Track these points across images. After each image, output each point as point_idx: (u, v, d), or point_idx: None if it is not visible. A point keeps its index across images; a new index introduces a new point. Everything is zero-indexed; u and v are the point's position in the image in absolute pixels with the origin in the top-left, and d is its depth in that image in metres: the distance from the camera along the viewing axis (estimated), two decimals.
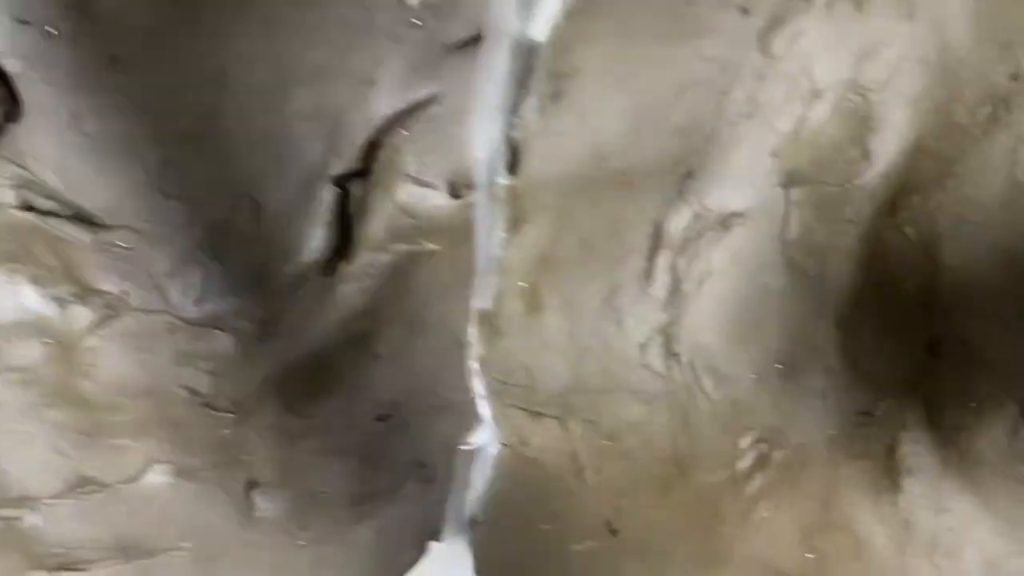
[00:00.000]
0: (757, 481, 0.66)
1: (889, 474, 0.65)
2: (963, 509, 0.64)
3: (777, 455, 0.65)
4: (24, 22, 0.64)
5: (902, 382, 0.63)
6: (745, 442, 0.65)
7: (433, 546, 0.74)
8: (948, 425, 0.63)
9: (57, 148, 0.67)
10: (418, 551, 0.75)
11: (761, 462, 0.66)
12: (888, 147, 0.58)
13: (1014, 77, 0.57)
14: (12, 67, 0.65)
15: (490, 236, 0.63)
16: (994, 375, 0.62)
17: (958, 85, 0.57)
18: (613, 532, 0.68)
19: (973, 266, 0.60)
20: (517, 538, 0.70)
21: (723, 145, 0.61)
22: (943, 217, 0.61)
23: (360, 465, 0.74)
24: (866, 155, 0.58)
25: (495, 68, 0.60)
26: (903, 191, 0.60)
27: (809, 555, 0.67)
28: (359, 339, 0.70)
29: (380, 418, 0.72)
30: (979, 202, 0.60)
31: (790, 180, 0.60)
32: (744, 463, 0.66)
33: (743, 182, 0.61)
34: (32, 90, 0.66)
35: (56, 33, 0.64)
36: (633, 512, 0.67)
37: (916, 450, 0.64)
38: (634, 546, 0.69)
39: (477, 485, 0.68)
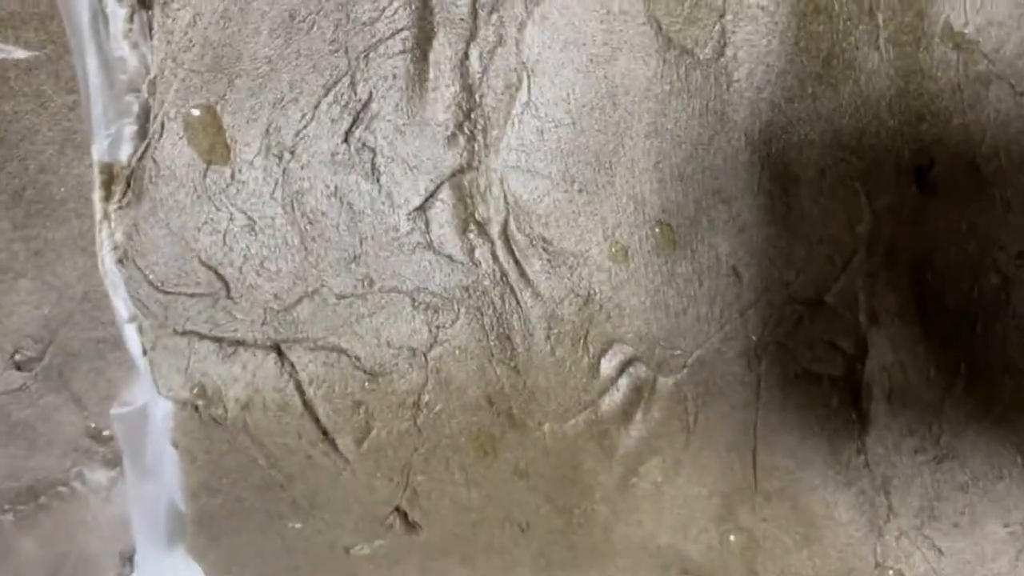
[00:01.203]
0: (637, 428, 0.39)
1: (853, 404, 0.38)
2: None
3: (665, 383, 0.38)
4: None
5: (871, 240, 0.36)
6: (609, 364, 0.38)
7: (139, 562, 0.46)
8: (950, 310, 0.36)
9: None
10: (119, 569, 0.47)
11: (640, 395, 0.38)
12: None
13: None
14: None
15: (101, 18, 0.33)
16: None
17: None
18: (411, 527, 0.41)
19: (992, 18, 0.32)
20: (259, 543, 0.42)
21: None
22: None
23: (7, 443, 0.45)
24: None
25: None
26: None
27: (730, 539, 0.41)
28: None
29: (17, 366, 0.43)
30: None
31: None
32: (612, 399, 0.39)
33: None
34: None
35: None
36: (438, 494, 0.40)
37: (897, 359, 0.37)
38: (445, 545, 0.42)
39: (164, 470, 0.40)
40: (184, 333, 0.36)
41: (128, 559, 0.47)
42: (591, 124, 0.36)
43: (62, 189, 0.38)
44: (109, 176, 0.35)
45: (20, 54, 0.36)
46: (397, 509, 0.41)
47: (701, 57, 0.35)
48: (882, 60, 0.34)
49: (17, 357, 0.43)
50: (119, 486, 0.45)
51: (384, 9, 0.35)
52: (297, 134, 0.36)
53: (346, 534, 0.41)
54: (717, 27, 0.34)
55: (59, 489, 0.46)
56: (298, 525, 0.41)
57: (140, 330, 0.36)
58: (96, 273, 0.40)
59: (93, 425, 0.44)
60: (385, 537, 0.41)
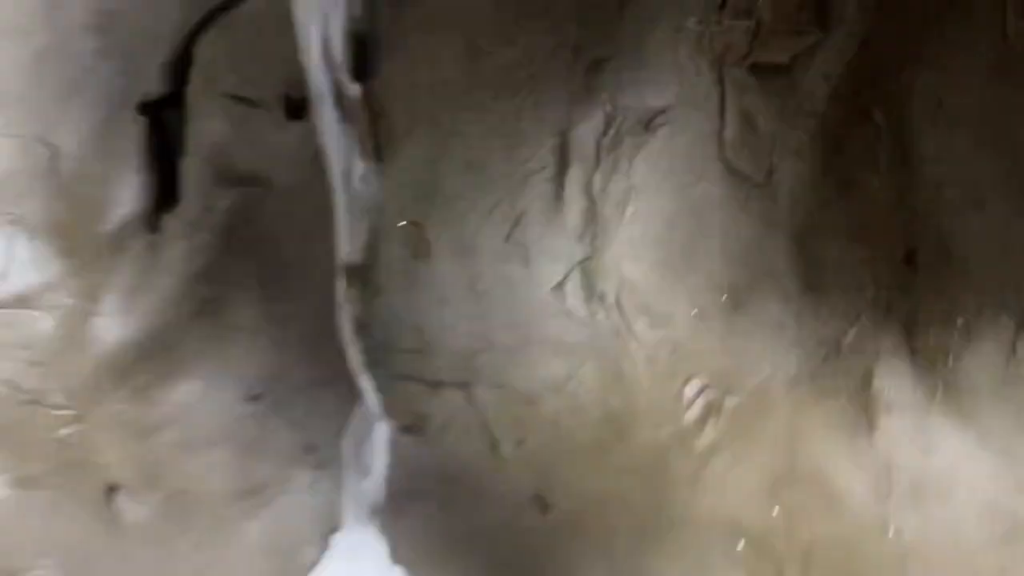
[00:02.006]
0: (708, 434, 0.55)
1: (864, 412, 0.54)
2: (953, 446, 0.53)
3: (730, 402, 0.54)
4: None
5: (874, 303, 0.52)
6: (690, 390, 0.54)
7: (336, 540, 0.62)
8: (932, 348, 0.52)
9: None
10: (319, 547, 0.63)
11: (711, 411, 0.54)
12: (847, 6, 0.45)
13: None
14: None
15: (349, 165, 0.49)
16: (984, 284, 0.50)
17: None
18: (544, 508, 0.57)
19: (955, 156, 0.48)
20: (434, 523, 0.58)
21: (635, 23, 0.47)
22: (917, 98, 0.48)
23: (235, 455, 0.61)
24: (821, 18, 0.45)
25: None
26: (866, 67, 0.47)
27: (777, 510, 0.57)
28: (207, 306, 0.56)
29: (252, 398, 0.59)
30: (961, 75, 0.47)
31: (723, 60, 0.46)
32: (691, 415, 0.55)
33: (664, 68, 0.47)
34: None
35: None
36: (566, 484, 0.56)
37: (895, 382, 0.53)
38: (572, 521, 0.58)
39: (376, 470, 0.56)
40: (402, 377, 0.52)
41: (327, 537, 0.63)
42: (679, 226, 0.51)
43: (304, 272, 0.54)
44: (349, 270, 0.51)
45: None
46: (539, 496, 0.57)
47: (756, 181, 0.50)
48: (882, 181, 0.50)
49: (251, 393, 0.59)
50: (323, 483, 0.62)
51: (537, 150, 0.50)
52: (474, 237, 0.51)
53: (503, 514, 0.57)
54: (767, 161, 0.50)
55: (275, 487, 0.62)
56: (468, 508, 0.57)
57: (372, 377, 0.52)
58: (317, 331, 0.56)
59: (305, 441, 0.60)
60: (532, 518, 0.57)
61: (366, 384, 0.52)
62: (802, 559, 0.59)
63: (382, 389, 0.52)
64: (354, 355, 0.52)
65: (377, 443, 0.55)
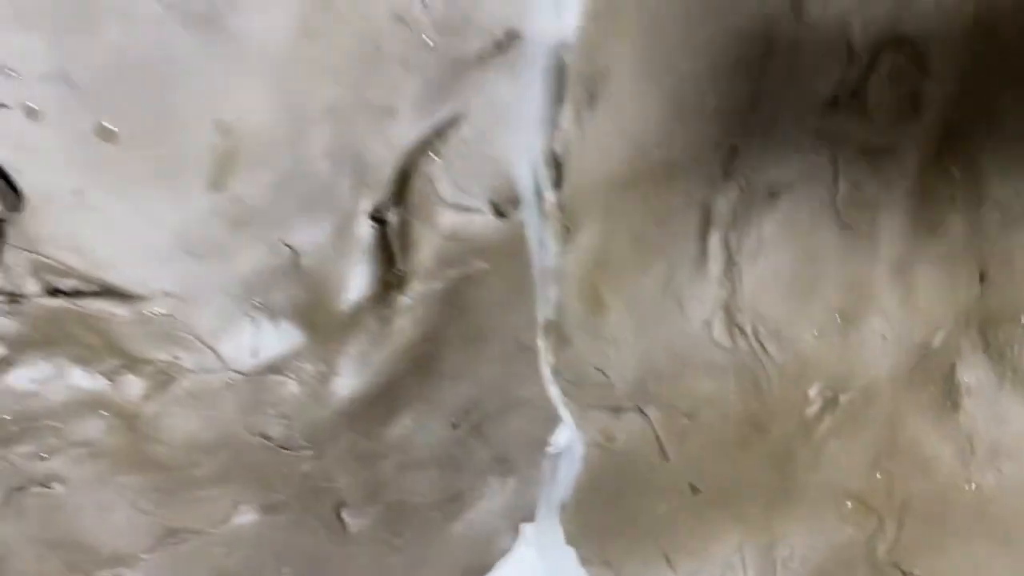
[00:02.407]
0: (826, 423, 0.69)
1: (950, 396, 0.68)
2: (1020, 417, 0.68)
3: (843, 398, 0.68)
4: (2, 106, 0.60)
5: (956, 312, 0.66)
6: (813, 392, 0.68)
7: (526, 530, 0.77)
8: (1000, 343, 0.66)
9: (68, 228, 0.65)
10: (511, 537, 0.78)
11: (829, 406, 0.69)
12: (933, 98, 0.58)
13: None
14: (3, 156, 0.61)
15: (542, 248, 0.62)
16: None
17: (995, 30, 0.56)
18: (695, 491, 0.72)
19: (1017, 200, 0.61)
20: (605, 511, 0.73)
21: (764, 119, 0.59)
22: (987, 151, 0.61)
23: (441, 471, 0.76)
24: (914, 106, 0.58)
25: (523, 79, 0.58)
26: (948, 137, 0.60)
27: (879, 476, 0.72)
28: (423, 362, 0.70)
29: (454, 425, 0.73)
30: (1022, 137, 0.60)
31: (836, 143, 0.59)
32: (812, 409, 0.69)
33: (788, 152, 0.60)
34: (28, 176, 0.62)
35: (38, 110, 0.60)
36: (714, 472, 0.71)
37: (973, 371, 0.67)
38: (715, 498, 0.73)
39: (566, 478, 0.71)
40: (591, 407, 0.66)
41: (517, 527, 0.78)
42: (800, 269, 0.65)
43: (503, 328, 0.67)
44: (545, 326, 0.64)
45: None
46: (691, 484, 0.72)
47: (862, 231, 0.64)
48: (960, 219, 0.63)
49: (452, 422, 0.73)
50: (513, 486, 0.76)
51: (686, 220, 0.63)
52: (638, 291, 0.65)
53: (664, 500, 0.72)
54: (871, 214, 0.63)
55: (473, 492, 0.76)
56: (636, 496, 0.71)
57: (567, 407, 0.66)
58: (509, 372, 0.70)
59: (497, 455, 0.75)
60: (683, 499, 0.72)
61: (564, 413, 0.66)
62: (899, 511, 0.74)
63: (576, 416, 0.66)
64: (554, 392, 0.66)
65: (572, 456, 0.69)
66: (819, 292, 0.65)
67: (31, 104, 0.60)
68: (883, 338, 0.66)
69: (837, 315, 0.65)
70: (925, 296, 0.65)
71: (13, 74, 0.59)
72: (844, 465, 0.72)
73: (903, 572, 0.76)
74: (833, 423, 0.69)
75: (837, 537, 0.75)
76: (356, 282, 0.66)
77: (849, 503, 0.74)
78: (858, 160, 0.60)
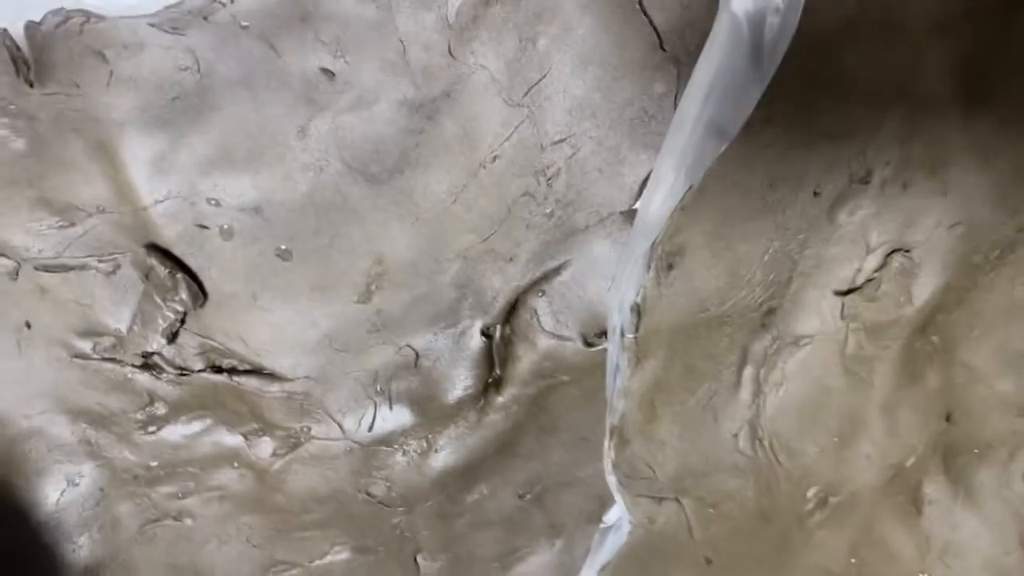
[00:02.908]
0: (817, 517, 0.87)
1: (915, 504, 0.87)
2: (969, 526, 0.86)
3: (833, 500, 0.86)
4: (202, 227, 0.76)
5: (926, 442, 0.84)
6: (810, 493, 0.86)
7: None
8: (959, 468, 0.85)
9: (239, 323, 0.80)
10: None
11: (821, 505, 0.87)
12: (924, 290, 0.76)
13: (1019, 229, 0.74)
14: (196, 263, 0.77)
15: (617, 372, 0.79)
16: (987, 431, 0.83)
17: (977, 239, 0.75)
18: (708, 562, 0.89)
19: (981, 360, 0.80)
20: (636, 573, 0.90)
21: (796, 290, 0.77)
22: (959, 328, 0.79)
23: (504, 531, 0.93)
24: (909, 298, 0.76)
25: (630, 252, 0.75)
26: (931, 315, 0.78)
27: (854, 560, 0.90)
28: (505, 445, 0.87)
29: (520, 496, 0.90)
30: (987, 315, 0.78)
31: (849, 317, 0.77)
32: (808, 506, 0.87)
33: (812, 315, 0.78)
34: (214, 280, 0.78)
35: (232, 231, 0.76)
36: (726, 549, 0.88)
37: (935, 488, 0.86)
38: (726, 568, 0.90)
39: (609, 547, 0.88)
40: (639, 495, 0.83)
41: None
42: (811, 401, 0.83)
43: (572, 428, 0.84)
44: (612, 430, 0.81)
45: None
46: (707, 557, 0.89)
47: (862, 376, 0.82)
48: (935, 373, 0.82)
49: (519, 493, 0.90)
50: (561, 547, 0.93)
51: (728, 357, 0.81)
52: (683, 407, 0.82)
53: (683, 568, 0.89)
54: (869, 365, 0.81)
55: (527, 549, 0.93)
56: (663, 564, 0.89)
57: (621, 493, 0.83)
58: (574, 458, 0.87)
59: (553, 522, 0.92)
60: (699, 568, 0.89)
61: (617, 497, 0.84)
62: None
63: (628, 502, 0.83)
64: (611, 480, 0.83)
65: (619, 531, 0.87)
66: (823, 419, 0.83)
67: (226, 226, 0.75)
68: (868, 457, 0.84)
69: (835, 437, 0.83)
70: (904, 429, 0.83)
71: (217, 205, 0.74)
72: (828, 550, 0.90)
73: None
74: (823, 518, 0.87)
75: None
76: (463, 382, 0.83)
77: None
78: (863, 329, 0.78)
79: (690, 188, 0.70)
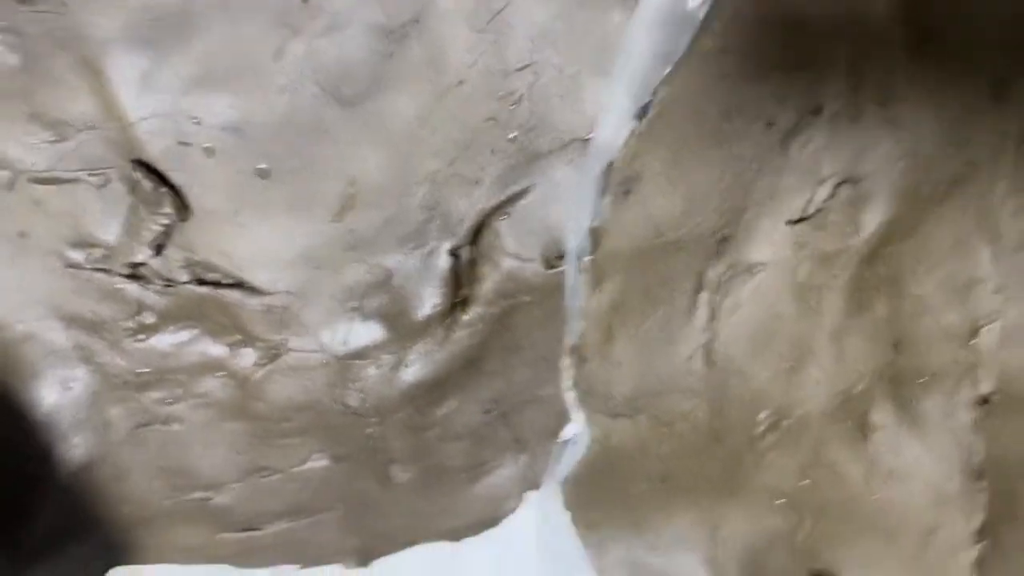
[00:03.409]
0: (768, 439, 0.92)
1: (862, 430, 0.91)
2: (913, 452, 0.91)
3: (784, 423, 0.91)
4: (185, 144, 0.80)
5: (873, 370, 0.88)
6: (762, 416, 0.90)
7: (530, 495, 1.00)
8: (905, 397, 0.89)
9: (221, 238, 0.85)
10: (518, 500, 1.01)
11: (772, 428, 0.91)
12: (873, 220, 0.79)
13: (967, 163, 0.77)
14: (180, 179, 0.81)
15: (575, 293, 0.83)
16: (942, 363, 0.87)
17: (926, 172, 0.77)
18: (664, 480, 0.94)
19: (928, 291, 0.83)
20: (595, 487, 0.95)
21: (750, 218, 0.81)
22: (907, 259, 0.83)
23: (471, 444, 0.98)
24: (856, 228, 0.79)
25: (586, 176, 0.78)
26: (879, 246, 0.81)
27: (805, 482, 0.95)
28: (471, 362, 0.92)
29: (486, 412, 0.95)
30: (933, 247, 0.81)
31: (799, 245, 0.81)
32: (759, 429, 0.91)
33: (765, 243, 0.82)
34: (197, 196, 0.82)
35: (213, 149, 0.80)
36: (679, 468, 0.93)
37: (881, 415, 0.90)
38: (678, 487, 0.95)
39: (569, 460, 0.93)
40: (596, 411, 0.88)
41: (524, 494, 1.01)
42: (764, 323, 0.87)
43: (534, 345, 0.89)
44: (571, 349, 0.85)
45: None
46: (662, 474, 0.94)
47: (811, 305, 0.86)
48: (881, 304, 0.85)
49: (484, 408, 0.95)
50: (524, 461, 0.99)
51: (683, 284, 0.85)
52: (643, 330, 0.86)
53: (639, 484, 0.94)
54: (818, 293, 0.85)
55: (494, 463, 0.99)
56: (621, 475, 0.94)
57: (579, 409, 0.88)
58: (533, 378, 0.92)
59: (516, 436, 0.97)
60: (654, 485, 0.94)
61: (575, 414, 0.89)
62: (816, 511, 0.97)
63: (586, 419, 0.88)
64: (570, 397, 0.88)
65: (577, 445, 0.92)
66: (775, 345, 0.87)
67: (208, 145, 0.80)
68: (817, 383, 0.88)
69: (786, 363, 0.87)
70: (852, 356, 0.87)
71: (198, 123, 0.79)
72: (778, 471, 0.94)
73: (813, 556, 0.99)
74: (774, 440, 0.92)
75: (766, 525, 0.98)
76: (432, 300, 0.88)
77: (779, 501, 0.97)
78: (813, 257, 0.82)
79: (645, 115, 0.73)
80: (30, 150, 0.79)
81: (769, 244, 0.82)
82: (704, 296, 0.85)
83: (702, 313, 0.86)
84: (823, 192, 0.79)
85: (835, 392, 0.89)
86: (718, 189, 0.79)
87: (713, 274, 0.84)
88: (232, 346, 0.90)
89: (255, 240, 0.83)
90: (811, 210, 0.80)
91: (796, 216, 0.80)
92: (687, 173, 0.78)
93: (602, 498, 0.97)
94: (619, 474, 0.94)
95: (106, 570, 0.99)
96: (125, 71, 0.76)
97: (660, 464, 0.93)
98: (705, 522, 0.98)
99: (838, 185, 0.78)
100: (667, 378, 0.88)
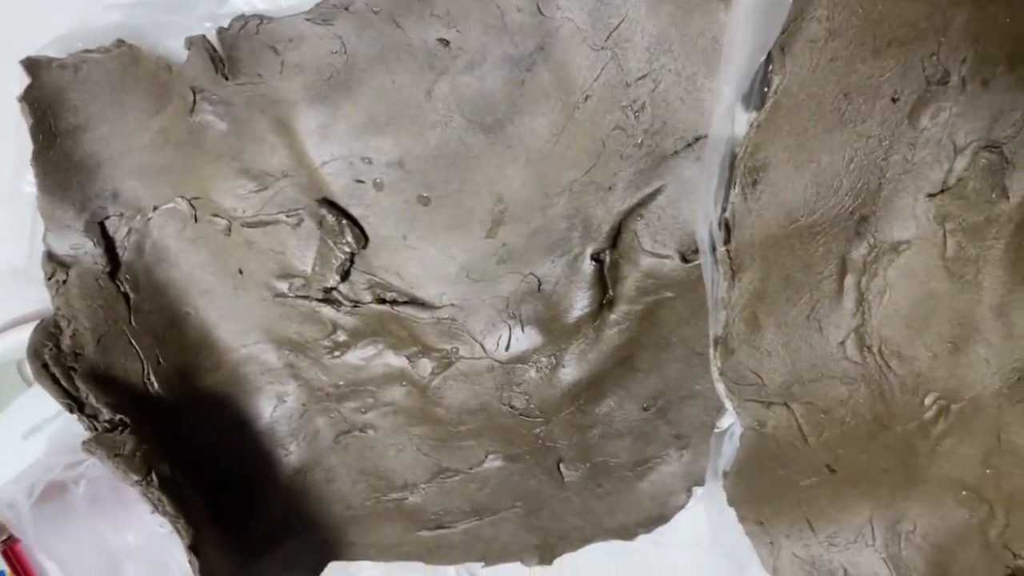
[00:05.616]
0: (940, 425, 0.89)
1: None
2: None
3: (954, 407, 0.87)
4: (359, 181, 0.92)
5: None
6: (929, 401, 0.88)
7: (697, 491, 1.03)
8: None
9: (394, 260, 0.96)
10: (686, 495, 1.04)
11: (943, 413, 0.88)
12: (1021, 184, 0.76)
13: None
14: (357, 212, 0.93)
15: (715, 284, 0.86)
16: None
17: None
18: (832, 471, 0.93)
19: None
20: (759, 480, 0.96)
21: (887, 196, 0.80)
22: None
23: (633, 441, 1.02)
24: (1003, 193, 0.77)
25: (708, 169, 0.82)
26: None
27: (988, 471, 0.90)
28: (624, 360, 0.97)
29: (645, 408, 1.00)
30: None
31: (943, 217, 0.79)
32: (929, 415, 0.88)
33: (907, 220, 0.81)
34: (372, 225, 0.94)
35: (383, 184, 0.91)
36: (847, 457, 0.92)
37: None
38: (849, 478, 0.94)
39: (728, 452, 0.95)
40: (748, 400, 0.89)
41: (691, 489, 1.03)
42: (918, 305, 0.85)
43: (683, 341, 0.93)
44: (715, 340, 0.88)
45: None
46: (828, 465, 0.93)
47: (967, 278, 0.83)
48: None
49: (644, 406, 0.99)
50: (688, 457, 1.01)
51: (827, 267, 0.85)
52: (787, 317, 0.87)
53: (806, 475, 0.94)
54: (974, 267, 0.82)
55: (658, 459, 1.02)
56: (782, 470, 0.94)
57: (730, 400, 0.90)
58: (686, 372, 0.95)
59: (677, 432, 1.00)
60: (822, 476, 0.93)
61: (728, 404, 0.91)
62: (1007, 502, 0.91)
63: (737, 407, 0.90)
64: (720, 388, 0.90)
65: (733, 436, 0.94)
66: (933, 324, 0.85)
67: (378, 179, 0.92)
68: (987, 361, 0.85)
69: (948, 342, 0.85)
70: (1021, 330, 0.83)
71: (369, 162, 0.91)
72: (957, 460, 0.90)
73: (1014, 554, 0.93)
74: (947, 426, 0.89)
75: (954, 519, 0.94)
76: (580, 303, 0.94)
77: (963, 492, 0.92)
78: (961, 229, 0.80)
79: (762, 106, 0.77)
80: (240, 200, 0.95)
81: (912, 220, 0.81)
82: (850, 279, 0.85)
83: (850, 297, 0.86)
84: (962, 162, 0.77)
85: (1008, 370, 0.85)
86: (848, 170, 0.79)
87: (857, 255, 0.84)
88: (411, 357, 1.01)
89: (422, 260, 0.95)
90: (951, 181, 0.78)
91: (936, 189, 0.79)
92: (813, 158, 0.79)
93: (767, 492, 0.97)
94: (782, 466, 0.94)
95: (320, 564, 1.13)
96: (308, 124, 0.90)
97: (825, 452, 0.92)
98: (884, 516, 0.96)
99: (976, 153, 0.76)
100: (820, 365, 0.88)
